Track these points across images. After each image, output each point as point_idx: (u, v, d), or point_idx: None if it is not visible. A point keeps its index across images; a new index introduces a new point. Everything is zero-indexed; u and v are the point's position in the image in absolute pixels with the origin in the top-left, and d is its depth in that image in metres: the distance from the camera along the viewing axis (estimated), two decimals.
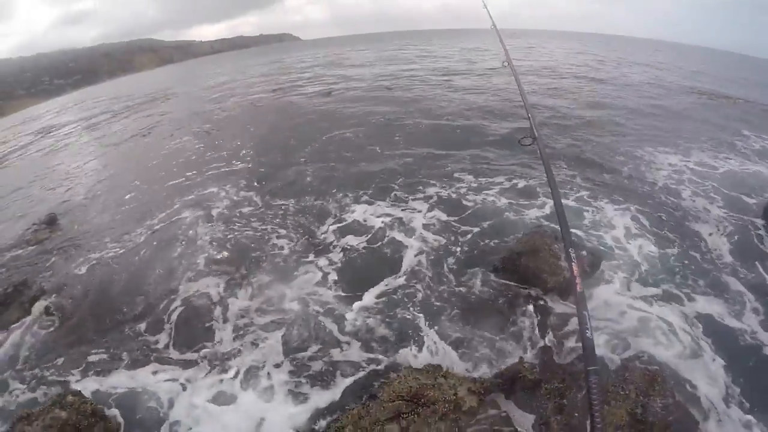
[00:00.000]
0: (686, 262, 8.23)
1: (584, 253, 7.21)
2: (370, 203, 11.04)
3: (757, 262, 8.21)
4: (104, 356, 6.79)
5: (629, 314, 6.70)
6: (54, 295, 8.29)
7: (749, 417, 5.19)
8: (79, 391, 5.72)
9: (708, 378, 5.68)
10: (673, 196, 10.94)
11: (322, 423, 5.18)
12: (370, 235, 9.55)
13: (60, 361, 6.69)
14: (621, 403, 4.82)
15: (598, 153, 14.10)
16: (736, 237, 9.07)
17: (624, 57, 51.18)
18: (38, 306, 7.92)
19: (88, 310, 7.90)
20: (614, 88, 27.01)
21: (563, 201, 9.09)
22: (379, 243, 9.27)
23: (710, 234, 9.17)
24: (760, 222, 9.56)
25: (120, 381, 6.28)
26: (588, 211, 10.01)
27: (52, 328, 7.47)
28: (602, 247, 8.48)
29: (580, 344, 5.77)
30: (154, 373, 6.39)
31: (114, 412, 5.74)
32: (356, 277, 8.19)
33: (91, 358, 6.71)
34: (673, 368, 5.77)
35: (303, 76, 38.83)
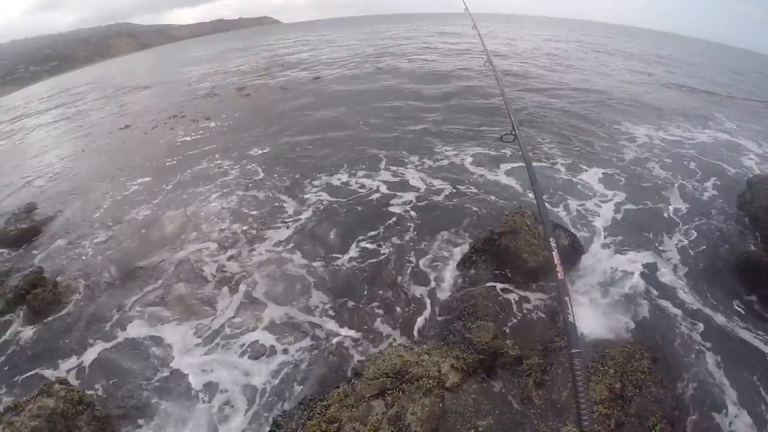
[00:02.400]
0: (659, 226, 8.95)
1: (565, 243, 7.34)
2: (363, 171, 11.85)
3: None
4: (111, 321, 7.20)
5: (609, 284, 7.10)
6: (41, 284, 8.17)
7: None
8: (66, 379, 5.72)
9: (686, 351, 5.96)
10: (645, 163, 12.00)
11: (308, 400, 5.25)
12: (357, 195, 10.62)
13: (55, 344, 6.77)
14: (600, 378, 4.94)
15: (581, 129, 14.92)
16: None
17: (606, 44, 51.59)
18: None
19: (77, 294, 7.95)
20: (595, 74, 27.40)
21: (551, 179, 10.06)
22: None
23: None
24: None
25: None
26: (568, 179, 10.94)
27: (43, 318, 7.43)
28: (582, 216, 9.20)
29: (559, 322, 6.04)
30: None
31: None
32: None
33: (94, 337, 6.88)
34: (648, 339, 6.01)
35: (288, 60, 38.41)
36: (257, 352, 6.21)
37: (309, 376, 5.79)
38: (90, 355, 6.55)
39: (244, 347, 6.35)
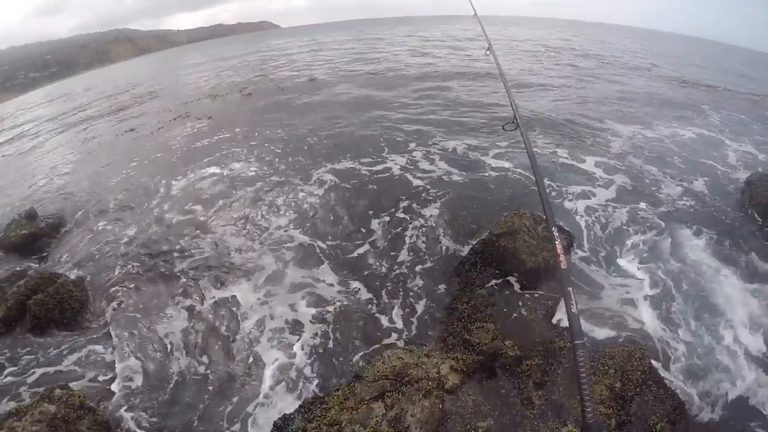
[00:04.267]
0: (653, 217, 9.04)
1: (564, 243, 7.36)
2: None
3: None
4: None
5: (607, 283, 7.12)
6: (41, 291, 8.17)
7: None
8: (67, 384, 5.73)
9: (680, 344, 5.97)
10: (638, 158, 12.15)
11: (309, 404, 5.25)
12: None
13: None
14: (601, 378, 4.94)
15: (574, 124, 15.20)
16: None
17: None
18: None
19: (81, 297, 7.89)
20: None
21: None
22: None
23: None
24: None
25: None
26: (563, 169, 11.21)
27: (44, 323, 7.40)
28: (583, 208, 9.31)
29: (559, 322, 6.03)
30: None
31: None
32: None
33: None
34: (649, 338, 6.04)
35: (286, 62, 38.67)
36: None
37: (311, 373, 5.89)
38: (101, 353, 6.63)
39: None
